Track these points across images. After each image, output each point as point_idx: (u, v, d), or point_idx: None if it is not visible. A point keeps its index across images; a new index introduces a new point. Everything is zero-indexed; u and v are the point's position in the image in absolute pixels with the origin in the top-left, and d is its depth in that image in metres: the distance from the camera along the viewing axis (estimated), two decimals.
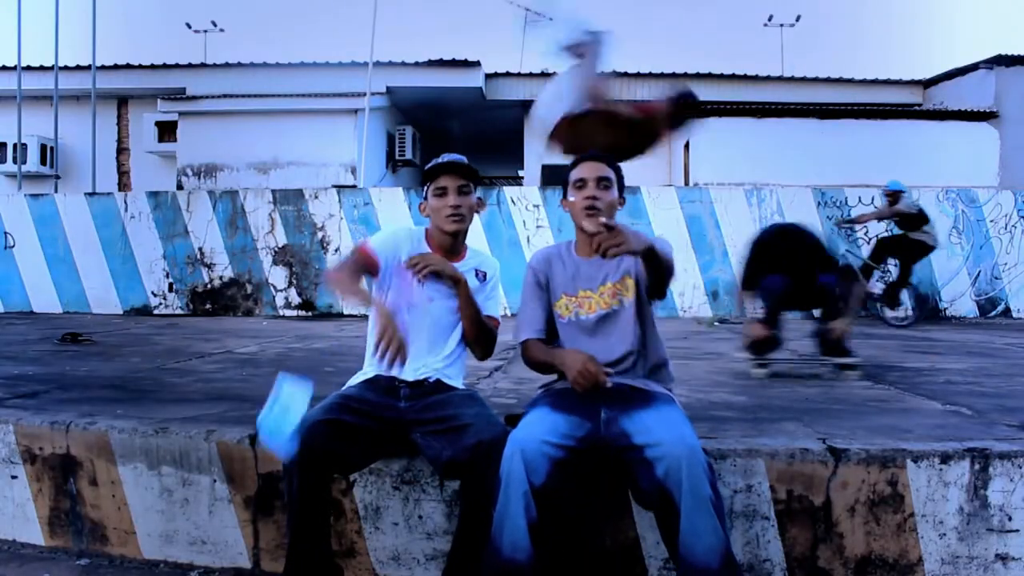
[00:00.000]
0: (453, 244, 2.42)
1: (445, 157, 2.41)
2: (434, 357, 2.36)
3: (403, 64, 13.30)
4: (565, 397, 2.20)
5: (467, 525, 2.09)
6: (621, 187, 2.35)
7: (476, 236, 9.00)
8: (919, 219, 8.11)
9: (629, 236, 1.95)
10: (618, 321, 2.27)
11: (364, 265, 2.37)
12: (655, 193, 9.59)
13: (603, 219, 2.01)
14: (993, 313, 9.58)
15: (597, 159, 2.35)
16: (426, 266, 2.30)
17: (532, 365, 2.36)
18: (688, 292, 9.48)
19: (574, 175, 2.33)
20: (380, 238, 2.45)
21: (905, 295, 8.42)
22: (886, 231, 9.44)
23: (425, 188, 2.41)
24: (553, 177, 12.69)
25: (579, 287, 2.32)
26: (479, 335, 2.43)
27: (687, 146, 12.62)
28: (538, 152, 14.18)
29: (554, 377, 2.36)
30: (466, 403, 2.24)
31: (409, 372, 2.30)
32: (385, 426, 2.22)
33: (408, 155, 14.25)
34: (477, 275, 2.45)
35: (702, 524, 1.85)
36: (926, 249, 8.17)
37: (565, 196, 2.38)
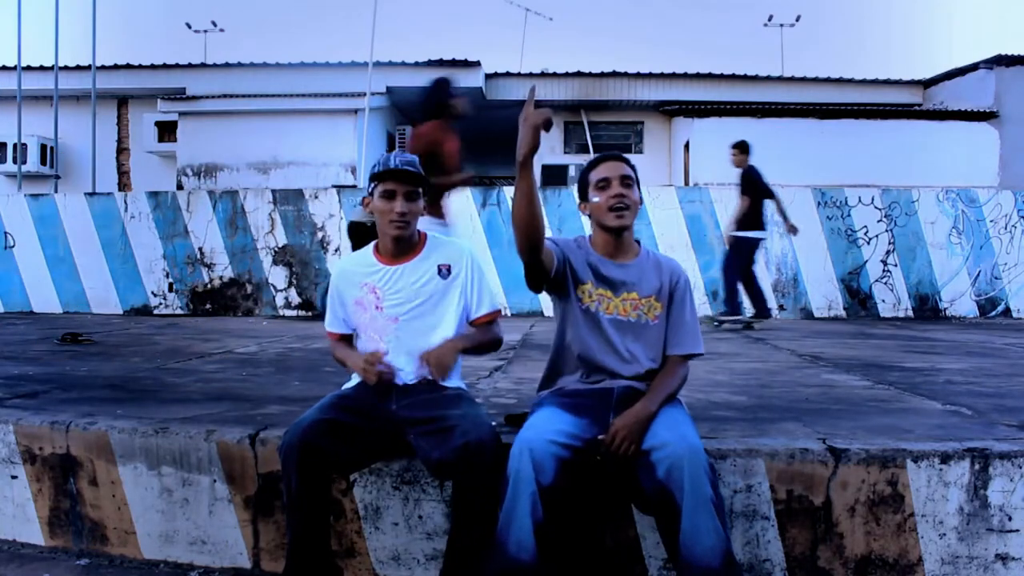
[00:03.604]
0: (398, 246, 2.34)
1: (395, 158, 2.27)
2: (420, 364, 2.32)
3: (403, 64, 13.30)
4: (574, 399, 2.20)
5: (460, 526, 2.08)
6: (639, 186, 2.31)
7: (477, 236, 9.01)
8: None
9: (635, 431, 2.01)
10: (646, 336, 2.25)
11: (344, 341, 2.47)
12: (655, 193, 9.58)
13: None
14: (993, 313, 9.58)
15: (616, 158, 2.29)
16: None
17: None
18: None
19: (595, 176, 2.26)
20: (329, 312, 2.46)
21: None
22: (885, 231, 9.44)
23: (372, 185, 2.30)
24: (553, 177, 12.68)
25: (599, 283, 2.26)
26: (478, 353, 2.45)
27: (687, 146, 12.63)
28: (538, 152, 14.20)
29: (559, 379, 2.36)
30: (454, 403, 2.22)
31: (400, 379, 2.30)
32: (380, 426, 2.22)
33: None
34: (440, 271, 2.34)
35: (703, 524, 1.85)
36: None
37: (584, 199, 2.30)
